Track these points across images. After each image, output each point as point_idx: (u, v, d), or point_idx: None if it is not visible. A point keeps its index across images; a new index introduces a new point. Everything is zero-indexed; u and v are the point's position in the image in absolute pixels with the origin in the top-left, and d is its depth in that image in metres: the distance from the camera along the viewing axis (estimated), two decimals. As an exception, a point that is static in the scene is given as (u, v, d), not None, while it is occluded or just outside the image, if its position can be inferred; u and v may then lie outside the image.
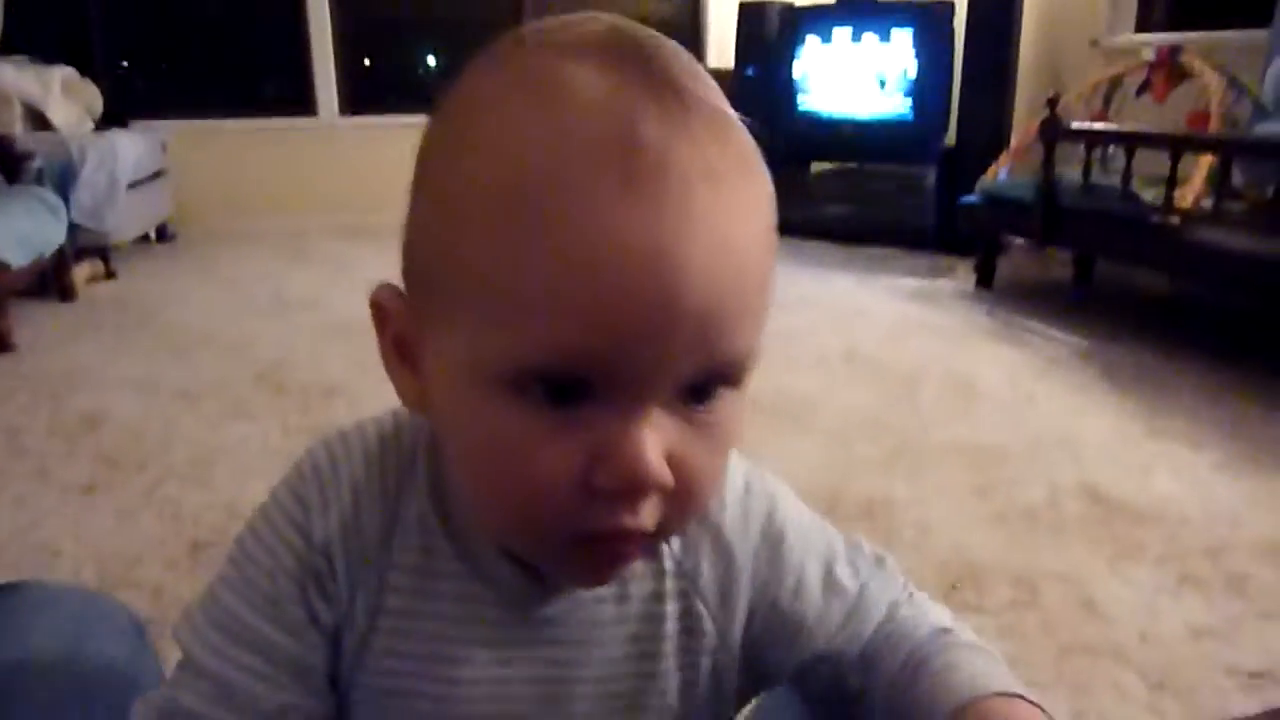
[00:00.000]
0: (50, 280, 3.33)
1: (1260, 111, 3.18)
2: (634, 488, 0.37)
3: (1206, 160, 2.88)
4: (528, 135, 0.35)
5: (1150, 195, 2.81)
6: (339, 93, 5.09)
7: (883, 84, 4.32)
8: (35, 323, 3.07)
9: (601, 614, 0.47)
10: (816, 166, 4.85)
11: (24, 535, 1.65)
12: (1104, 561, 1.54)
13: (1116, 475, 1.86)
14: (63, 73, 4.06)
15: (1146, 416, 2.19)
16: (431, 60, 5.61)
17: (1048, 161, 3.12)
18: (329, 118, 5.09)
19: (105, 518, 1.71)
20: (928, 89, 4.22)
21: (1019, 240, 3.73)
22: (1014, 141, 3.76)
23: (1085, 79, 3.85)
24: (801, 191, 4.81)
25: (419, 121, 0.41)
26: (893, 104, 4.32)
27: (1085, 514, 1.70)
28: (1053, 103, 3.18)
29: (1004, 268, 3.63)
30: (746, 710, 0.57)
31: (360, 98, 5.13)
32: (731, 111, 0.39)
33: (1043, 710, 0.44)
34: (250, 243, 4.38)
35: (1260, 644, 1.31)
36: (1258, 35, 3.31)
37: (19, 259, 2.87)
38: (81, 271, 3.57)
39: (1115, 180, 2.92)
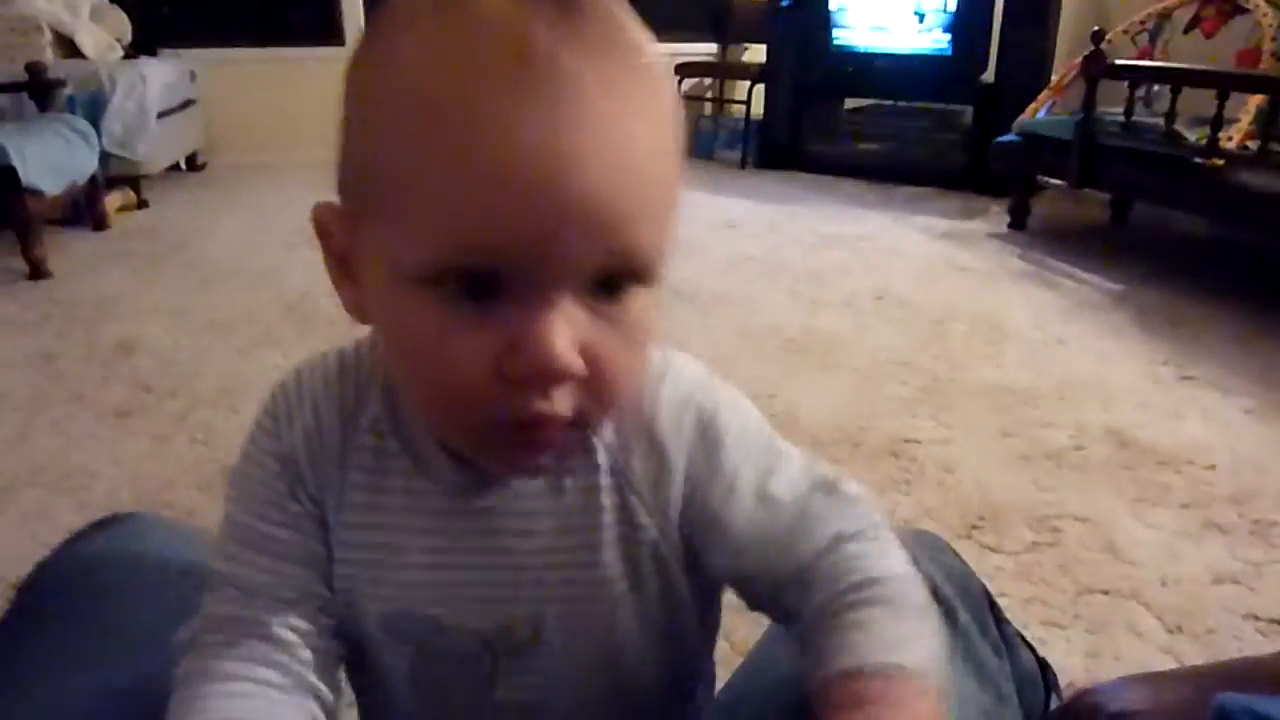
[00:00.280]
0: (83, 209, 3.36)
1: (1314, 49, 3.06)
2: (543, 374, 0.39)
3: (1255, 100, 2.79)
4: (434, 49, 0.39)
5: (1193, 136, 2.74)
6: (366, 21, 5.03)
7: (921, 18, 4.20)
8: (69, 251, 3.11)
9: (537, 505, 0.50)
10: (850, 102, 4.76)
11: (63, 458, 1.69)
12: (1127, 505, 1.53)
13: (1144, 419, 1.85)
14: (91, -1, 4.04)
15: (1178, 361, 2.16)
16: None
17: (1089, 100, 3.04)
18: (356, 47, 5.03)
19: (140, 442, 1.75)
20: (967, 23, 4.10)
21: (1054, 181, 3.65)
22: (1055, 79, 3.65)
23: (1132, 13, 3.73)
24: (834, 128, 4.73)
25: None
26: (931, 39, 4.20)
27: (1110, 457, 1.70)
28: (1097, 38, 3.08)
29: (1038, 209, 3.57)
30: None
31: (388, 27, 5.06)
32: (639, 32, 0.42)
33: (937, 691, 0.44)
34: (279, 172, 4.37)
35: (1282, 590, 1.31)
36: (1316, -32, 3.18)
37: (52, 187, 2.89)
38: (113, 200, 3.59)
39: (1158, 120, 2.85)
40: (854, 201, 4.00)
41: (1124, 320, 2.46)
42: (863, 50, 4.38)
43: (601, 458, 0.51)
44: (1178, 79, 2.82)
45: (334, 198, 0.46)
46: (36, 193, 2.79)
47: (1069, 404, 1.93)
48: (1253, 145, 2.66)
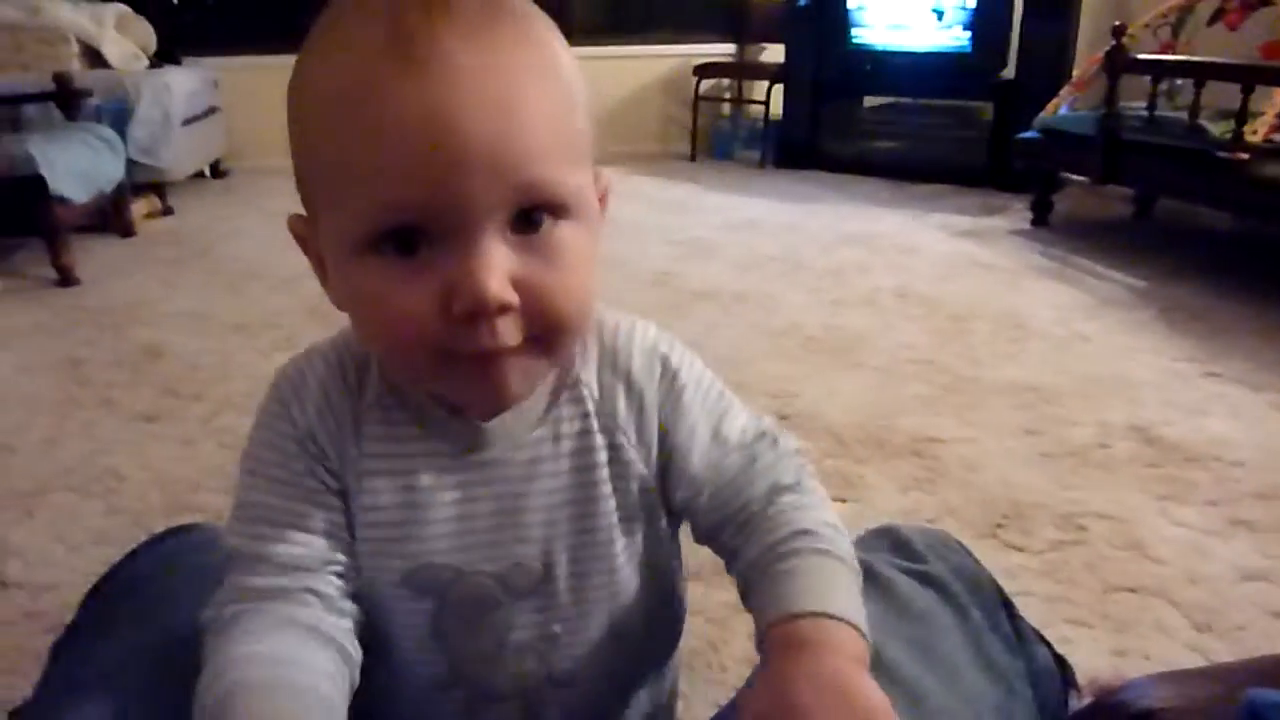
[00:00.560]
0: (110, 216, 3.40)
1: (1340, 41, 3.03)
2: (481, 308, 0.44)
3: (1280, 93, 2.76)
4: (340, 47, 0.46)
5: (1218, 130, 2.71)
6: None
7: (940, 15, 4.18)
8: (96, 257, 3.15)
9: (541, 451, 0.56)
10: (869, 101, 4.74)
11: (92, 461, 1.71)
12: (1153, 502, 1.52)
13: (1170, 416, 1.83)
14: (117, 9, 4.09)
15: (1203, 357, 2.14)
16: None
17: (1111, 95, 3.01)
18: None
19: (167, 446, 1.77)
20: (987, 20, 4.08)
21: (1076, 178, 3.62)
22: (1076, 74, 3.63)
23: (1153, 7, 3.69)
24: (853, 127, 4.72)
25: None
26: (950, 36, 4.19)
27: (1136, 454, 1.68)
28: (1118, 32, 3.06)
29: (1060, 206, 3.54)
30: None
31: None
32: (524, 12, 0.48)
33: (861, 633, 0.49)
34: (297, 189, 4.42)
35: (1312, 587, 1.30)
36: (1342, -41, 3.14)
37: (80, 195, 2.93)
38: (139, 207, 3.64)
39: (1181, 114, 2.82)
40: (874, 200, 3.99)
41: (1148, 316, 2.44)
42: (881, 49, 4.37)
43: (590, 404, 0.56)
44: (1201, 73, 2.79)
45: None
46: (64, 201, 2.83)
47: (1093, 401, 1.91)
48: (1278, 139, 2.63)
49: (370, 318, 0.48)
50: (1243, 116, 2.59)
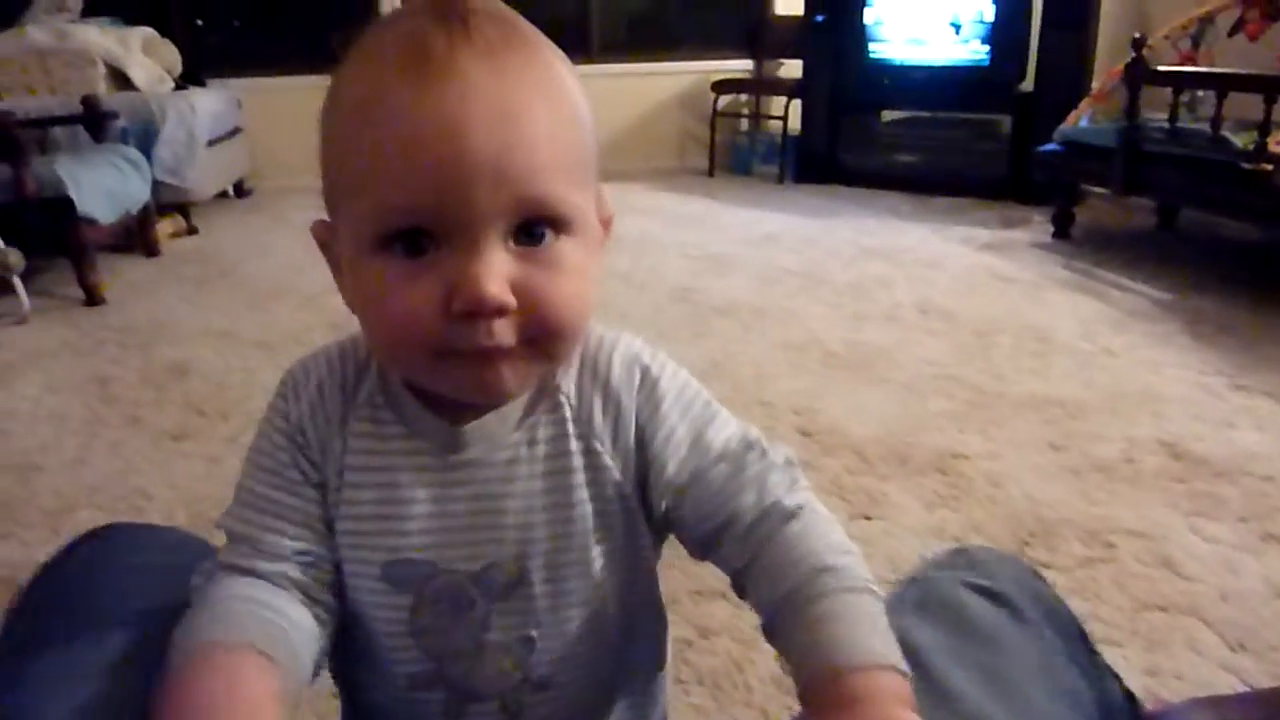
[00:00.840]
0: (135, 236, 3.45)
1: (1364, 50, 3.00)
2: (480, 307, 0.47)
3: (1304, 103, 2.74)
4: (365, 64, 0.50)
5: (1240, 141, 2.69)
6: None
7: (958, 29, 4.18)
8: (123, 277, 3.19)
9: (517, 454, 0.58)
10: (888, 115, 4.74)
11: (119, 480, 1.73)
12: (1182, 518, 1.50)
13: (1198, 430, 1.81)
14: (143, 33, 4.16)
15: (1231, 370, 2.12)
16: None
17: (1132, 106, 3.00)
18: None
19: (194, 464, 1.79)
20: (1005, 33, 4.07)
21: (1097, 190, 3.60)
22: (1096, 86, 3.61)
23: (1173, 18, 3.68)
24: (872, 141, 4.72)
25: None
26: (968, 49, 4.18)
27: (1164, 469, 1.67)
28: (1138, 44, 3.04)
29: (1082, 218, 3.52)
30: None
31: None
32: (533, 40, 0.51)
33: (901, 672, 0.48)
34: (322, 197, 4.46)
35: (1347, 604, 1.28)
36: (1364, -32, 3.11)
37: (107, 216, 2.97)
38: (164, 227, 3.68)
39: (1203, 126, 2.80)
40: (893, 213, 3.98)
41: (1174, 329, 2.42)
42: (900, 63, 4.37)
43: (567, 411, 0.58)
44: (1223, 83, 2.78)
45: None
46: (92, 221, 2.87)
47: (1119, 416, 1.90)
48: (1303, 149, 2.61)
49: (377, 313, 0.51)
50: (1266, 127, 2.58)
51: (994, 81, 4.13)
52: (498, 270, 0.48)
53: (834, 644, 0.49)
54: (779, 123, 4.76)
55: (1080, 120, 3.42)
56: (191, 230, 3.88)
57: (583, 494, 0.58)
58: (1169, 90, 2.96)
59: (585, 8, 5.15)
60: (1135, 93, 3.00)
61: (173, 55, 4.28)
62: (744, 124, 5.27)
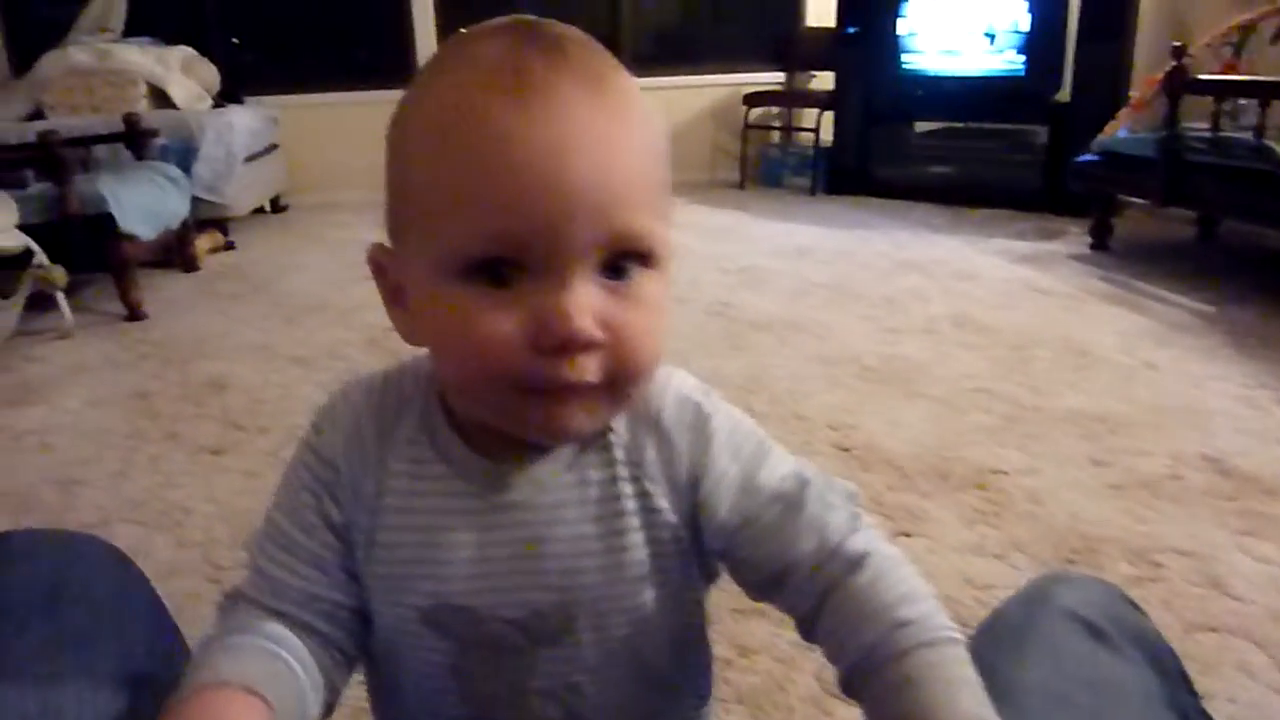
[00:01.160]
0: (175, 251, 3.50)
1: None
2: (568, 342, 0.45)
3: (1350, 111, 2.69)
4: (448, 85, 0.48)
5: (1285, 150, 2.65)
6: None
7: (992, 38, 4.15)
8: (162, 292, 3.24)
9: (565, 497, 0.55)
10: (921, 126, 4.71)
11: (159, 494, 1.75)
12: (1231, 537, 1.47)
13: (1244, 445, 1.78)
14: (182, 52, 4.24)
15: (1276, 384, 2.07)
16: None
17: (1172, 116, 2.96)
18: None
19: (233, 479, 1.80)
20: (1041, 43, 4.04)
21: (1135, 201, 3.55)
22: (1134, 96, 3.57)
23: (1214, 26, 3.63)
24: (905, 152, 4.69)
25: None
26: (1003, 60, 4.15)
27: (1210, 486, 1.63)
28: (1179, 52, 3.00)
29: (1120, 229, 3.47)
30: None
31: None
32: (615, 66, 0.50)
33: None
34: (358, 211, 4.48)
35: (1405, 626, 1.24)
36: None
37: (148, 232, 3.02)
38: (203, 243, 3.73)
39: (1246, 134, 2.76)
40: (927, 225, 3.95)
41: (1217, 342, 2.38)
42: (933, 74, 4.35)
43: (619, 451, 0.56)
44: (1267, 92, 2.73)
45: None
46: (133, 238, 2.91)
47: (1163, 431, 1.86)
48: (1350, 158, 2.56)
49: (453, 345, 0.49)
50: (1312, 136, 2.53)
51: (1030, 92, 4.10)
52: (587, 304, 0.46)
53: (924, 711, 0.47)
54: (810, 135, 4.75)
55: (1119, 130, 3.38)
56: (229, 245, 3.94)
57: (636, 537, 0.55)
58: (1210, 100, 2.91)
59: (616, 21, 5.18)
60: (1175, 102, 2.96)
61: (211, 74, 4.36)
62: (775, 136, 5.27)
